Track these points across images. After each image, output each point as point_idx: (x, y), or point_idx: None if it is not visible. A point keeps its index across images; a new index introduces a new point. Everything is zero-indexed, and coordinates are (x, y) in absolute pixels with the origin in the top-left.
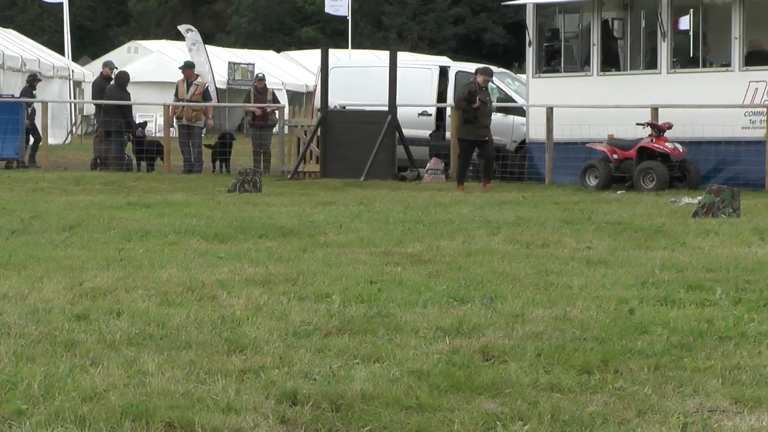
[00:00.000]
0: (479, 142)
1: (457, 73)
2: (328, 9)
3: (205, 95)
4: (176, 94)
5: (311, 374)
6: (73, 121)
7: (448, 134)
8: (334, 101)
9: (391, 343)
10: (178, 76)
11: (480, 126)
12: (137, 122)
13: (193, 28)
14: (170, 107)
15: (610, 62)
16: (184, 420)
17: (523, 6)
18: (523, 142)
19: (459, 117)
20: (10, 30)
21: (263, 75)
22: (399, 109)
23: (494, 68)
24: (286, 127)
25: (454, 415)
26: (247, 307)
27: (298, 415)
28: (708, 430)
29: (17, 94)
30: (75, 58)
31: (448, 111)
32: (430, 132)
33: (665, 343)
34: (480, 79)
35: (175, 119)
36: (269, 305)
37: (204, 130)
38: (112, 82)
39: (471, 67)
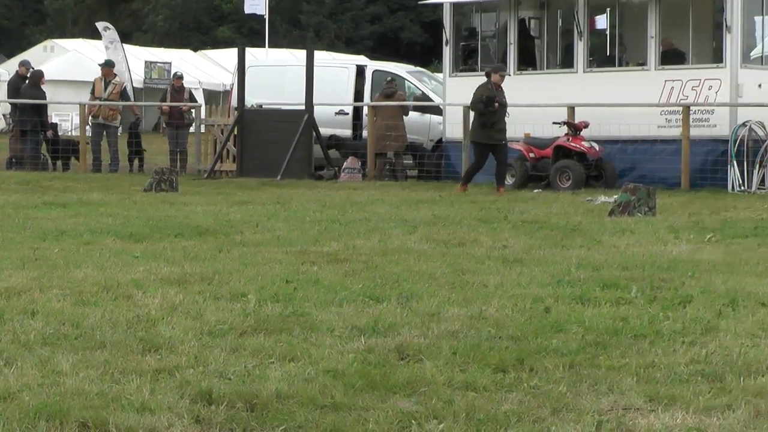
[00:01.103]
0: (495, 145)
1: (374, 72)
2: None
3: (123, 95)
4: (93, 92)
5: (226, 374)
6: None
7: (365, 133)
8: (250, 100)
9: (306, 342)
10: (95, 75)
11: (497, 129)
12: (51, 122)
13: (110, 26)
14: (87, 106)
15: (527, 61)
16: (98, 420)
17: (440, 5)
18: (440, 140)
19: (476, 120)
20: None
21: (181, 73)
22: (316, 108)
23: (411, 67)
24: (202, 126)
25: (369, 414)
26: (162, 307)
27: (212, 415)
28: (622, 428)
29: None
30: None
31: (365, 110)
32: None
33: (580, 342)
34: (496, 77)
35: (90, 118)
36: (184, 305)
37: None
38: (27, 81)
39: (388, 66)
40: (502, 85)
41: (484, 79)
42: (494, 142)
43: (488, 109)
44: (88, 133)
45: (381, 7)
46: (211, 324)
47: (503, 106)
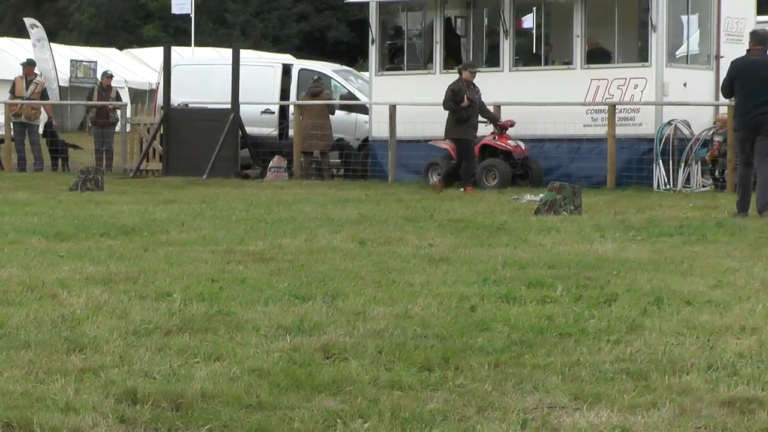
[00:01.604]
0: (467, 140)
1: (300, 70)
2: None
3: (43, 94)
4: (12, 91)
5: (151, 373)
6: None
7: (291, 133)
8: (176, 99)
9: (231, 341)
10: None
11: (471, 125)
12: None
13: (38, 23)
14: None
15: (453, 60)
16: (22, 420)
17: (366, 4)
18: (366, 139)
19: (450, 117)
20: None
21: (111, 73)
22: (242, 107)
23: (337, 66)
24: (128, 125)
25: (294, 414)
26: (87, 306)
27: (137, 415)
28: (547, 427)
29: None
30: None
31: (291, 109)
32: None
33: (506, 340)
34: (467, 74)
35: (12, 117)
36: (110, 304)
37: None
38: None
39: (314, 64)
40: (474, 81)
41: (410, 79)
42: (467, 137)
43: (459, 105)
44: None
45: (307, 6)
46: (137, 323)
47: (474, 102)
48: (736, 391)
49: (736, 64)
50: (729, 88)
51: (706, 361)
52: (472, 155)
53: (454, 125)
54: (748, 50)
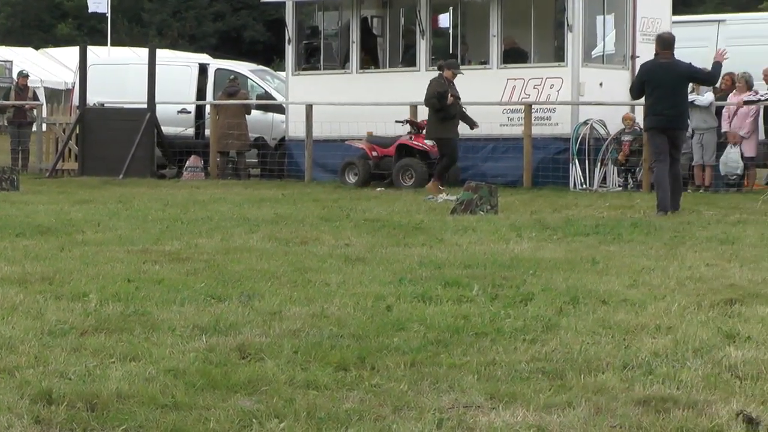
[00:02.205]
0: (451, 139)
1: (216, 70)
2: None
3: None
4: None
5: (66, 374)
6: None
7: (207, 132)
8: (92, 99)
9: (147, 341)
10: None
11: (455, 123)
12: None
13: None
14: None
15: (370, 60)
16: None
17: (283, 3)
18: (283, 139)
19: (432, 116)
20: None
21: (27, 72)
22: (158, 107)
23: (253, 65)
24: (44, 125)
25: (210, 414)
26: (2, 307)
27: (53, 415)
28: (463, 426)
29: None
30: None
31: (207, 108)
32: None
33: (422, 340)
34: (448, 73)
35: None
36: (25, 304)
37: None
38: None
39: (231, 64)
40: (453, 81)
41: (327, 78)
42: (455, 135)
43: (442, 103)
44: None
45: (224, 6)
46: (52, 324)
47: (458, 99)
48: (651, 390)
49: (646, 67)
50: (639, 90)
51: (622, 360)
52: (456, 154)
53: (438, 124)
54: (656, 54)
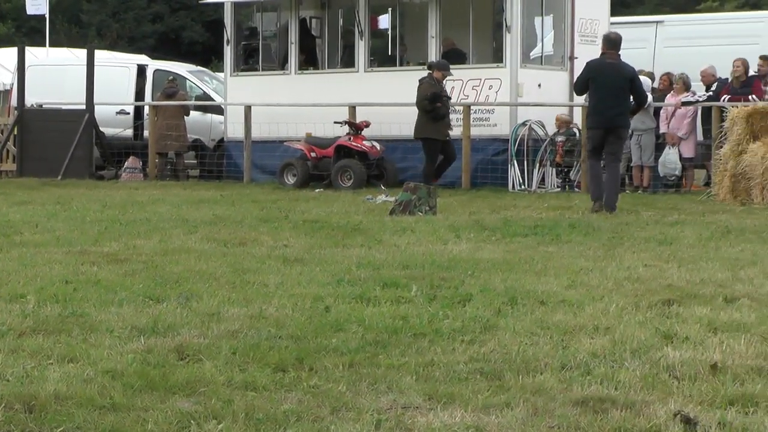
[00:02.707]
0: (445, 141)
1: (155, 71)
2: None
3: None
4: None
5: (4, 375)
6: None
7: (146, 134)
8: (30, 100)
9: (85, 343)
10: None
11: (445, 124)
12: None
13: None
14: None
15: (309, 61)
16: None
17: (222, 4)
18: (222, 140)
19: (422, 117)
20: None
21: None
22: (97, 108)
23: (192, 66)
24: None
25: (148, 415)
26: None
27: None
28: (401, 427)
29: None
30: None
31: (146, 109)
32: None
33: (360, 341)
34: (438, 74)
35: None
36: None
37: None
38: None
39: (169, 65)
40: (443, 81)
41: (265, 79)
42: (443, 137)
43: (434, 105)
44: None
45: (162, 7)
46: None
47: (448, 98)
48: (589, 391)
49: (592, 65)
50: (583, 87)
51: (560, 360)
52: (436, 156)
53: (427, 124)
54: (602, 53)
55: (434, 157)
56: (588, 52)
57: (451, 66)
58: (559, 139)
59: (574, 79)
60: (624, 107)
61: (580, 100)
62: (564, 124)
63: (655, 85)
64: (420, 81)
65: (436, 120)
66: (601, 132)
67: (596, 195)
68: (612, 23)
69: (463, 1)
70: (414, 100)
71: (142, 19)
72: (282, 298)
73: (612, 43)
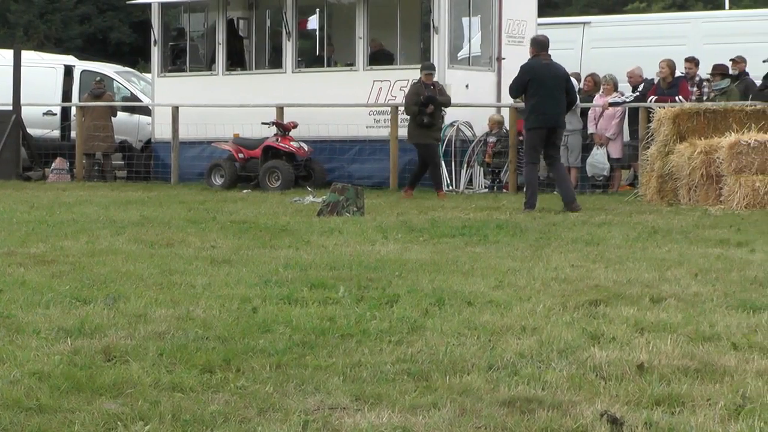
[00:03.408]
0: (433, 145)
1: (82, 72)
2: None
3: None
4: None
5: None
6: None
7: (73, 135)
8: None
9: (12, 344)
10: None
11: (436, 128)
12: None
13: None
14: None
15: (236, 61)
16: None
17: (149, 5)
18: (149, 141)
19: (412, 121)
20: None
21: None
22: (24, 109)
23: (119, 67)
24: None
25: (75, 416)
26: None
27: None
28: (328, 428)
29: None
30: None
31: (73, 110)
32: None
33: (287, 342)
34: (424, 77)
35: None
36: None
37: None
38: None
39: (97, 66)
40: (433, 83)
41: (193, 80)
42: (435, 141)
43: (422, 109)
44: None
45: (90, 8)
46: None
47: (433, 101)
48: (516, 391)
49: (529, 67)
50: (520, 89)
51: (487, 361)
52: (438, 159)
53: (416, 130)
54: (535, 55)
55: (436, 161)
56: (515, 53)
57: (378, 67)
58: (491, 139)
59: (502, 80)
60: (563, 107)
61: (509, 100)
62: (496, 124)
63: (581, 86)
64: (410, 87)
65: (423, 126)
66: (544, 132)
67: (532, 202)
68: (539, 24)
69: (391, 2)
70: (340, 100)
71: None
72: (209, 299)
73: (543, 45)
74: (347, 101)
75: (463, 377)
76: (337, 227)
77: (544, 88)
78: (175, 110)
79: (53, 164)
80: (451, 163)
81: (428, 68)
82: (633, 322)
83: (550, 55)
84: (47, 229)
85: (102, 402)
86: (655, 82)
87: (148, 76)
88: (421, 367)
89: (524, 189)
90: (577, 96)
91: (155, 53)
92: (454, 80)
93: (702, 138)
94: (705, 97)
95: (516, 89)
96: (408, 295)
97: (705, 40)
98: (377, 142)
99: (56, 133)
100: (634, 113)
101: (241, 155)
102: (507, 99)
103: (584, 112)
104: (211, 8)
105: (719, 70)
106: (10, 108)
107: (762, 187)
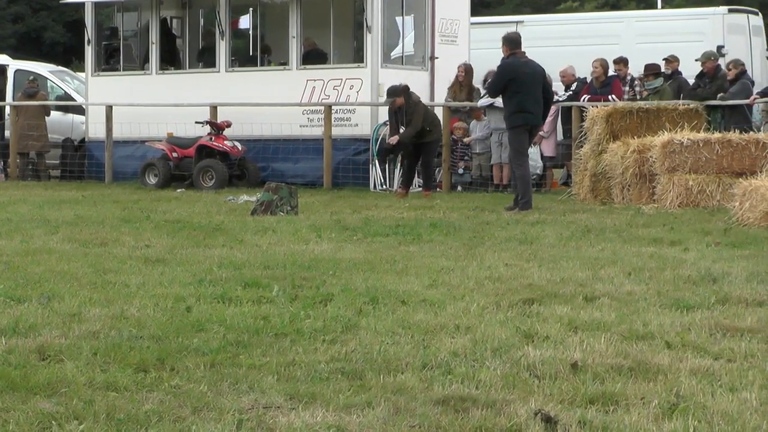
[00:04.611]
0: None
1: (16, 71)
2: None
3: None
4: None
5: None
6: None
7: (7, 134)
8: None
9: None
10: None
11: (431, 132)
12: None
13: None
14: None
15: (170, 61)
16: None
17: (82, 4)
18: (83, 140)
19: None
20: None
21: None
22: None
23: (53, 66)
24: None
25: (9, 416)
26: None
27: None
28: (263, 427)
29: None
30: None
31: (7, 110)
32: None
33: (221, 341)
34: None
35: None
36: None
37: None
38: None
39: (30, 65)
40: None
41: (127, 79)
42: (433, 138)
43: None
44: None
45: (23, 7)
46: None
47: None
48: (450, 390)
49: (510, 66)
50: (501, 88)
51: (421, 360)
52: (433, 157)
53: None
54: (511, 53)
55: (430, 160)
56: (448, 51)
57: (312, 66)
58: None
59: (434, 79)
60: (542, 105)
61: (441, 100)
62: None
63: None
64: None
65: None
66: (527, 130)
67: (530, 202)
68: (472, 23)
69: (324, 2)
70: (274, 99)
71: (2, 20)
72: (143, 298)
73: (516, 42)
74: (281, 100)
75: (397, 376)
76: (271, 226)
77: (524, 87)
78: (109, 109)
79: None
80: (384, 162)
81: (389, 94)
82: (567, 320)
83: (524, 53)
84: None
85: (36, 401)
86: (588, 81)
87: (81, 75)
88: (355, 366)
89: (516, 188)
90: (553, 94)
91: (89, 52)
92: (387, 79)
93: (635, 137)
94: (638, 97)
95: (495, 88)
96: (342, 294)
97: (638, 39)
98: (311, 141)
99: None
100: (567, 112)
101: (175, 154)
102: (439, 98)
103: None
104: (144, 7)
105: (652, 70)
106: None
107: (695, 186)
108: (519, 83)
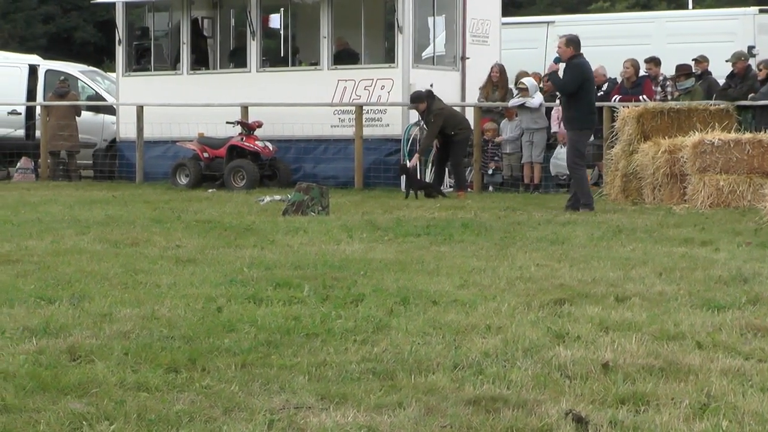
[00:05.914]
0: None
1: (47, 71)
2: None
3: None
4: None
5: None
6: None
7: (38, 134)
8: None
9: None
10: None
11: (455, 130)
12: None
13: None
14: None
15: (201, 61)
16: None
17: (113, 4)
18: (114, 140)
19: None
20: None
21: None
22: None
23: (84, 67)
24: None
25: (40, 416)
26: None
27: None
28: (294, 427)
29: None
30: None
31: (38, 110)
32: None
33: (252, 341)
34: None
35: None
36: None
37: None
38: None
39: (61, 65)
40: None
41: (158, 80)
42: (462, 137)
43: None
44: None
45: (54, 7)
46: None
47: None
48: (481, 390)
49: (584, 66)
50: (577, 87)
51: (452, 360)
52: (462, 157)
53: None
54: (577, 55)
55: (459, 160)
56: (479, 52)
57: (343, 66)
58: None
59: (465, 79)
60: None
61: (473, 100)
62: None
63: (540, 85)
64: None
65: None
66: (593, 132)
67: (592, 203)
68: (504, 23)
69: (355, 1)
70: (305, 100)
71: (32, 20)
72: (174, 298)
73: (580, 44)
74: (312, 100)
75: (428, 376)
76: (302, 227)
77: (593, 89)
78: (140, 109)
79: (18, 164)
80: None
81: (413, 101)
82: (598, 321)
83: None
84: (12, 229)
85: (67, 402)
86: (619, 81)
87: (112, 75)
88: (387, 366)
89: (578, 189)
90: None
91: (120, 53)
92: (418, 79)
93: (666, 137)
94: (669, 97)
95: (573, 87)
96: (373, 295)
97: (669, 40)
98: (342, 141)
99: (21, 133)
100: (598, 112)
101: (205, 154)
102: (471, 98)
103: (548, 112)
104: (175, 7)
105: (684, 71)
106: None
107: (726, 186)
108: (590, 84)
